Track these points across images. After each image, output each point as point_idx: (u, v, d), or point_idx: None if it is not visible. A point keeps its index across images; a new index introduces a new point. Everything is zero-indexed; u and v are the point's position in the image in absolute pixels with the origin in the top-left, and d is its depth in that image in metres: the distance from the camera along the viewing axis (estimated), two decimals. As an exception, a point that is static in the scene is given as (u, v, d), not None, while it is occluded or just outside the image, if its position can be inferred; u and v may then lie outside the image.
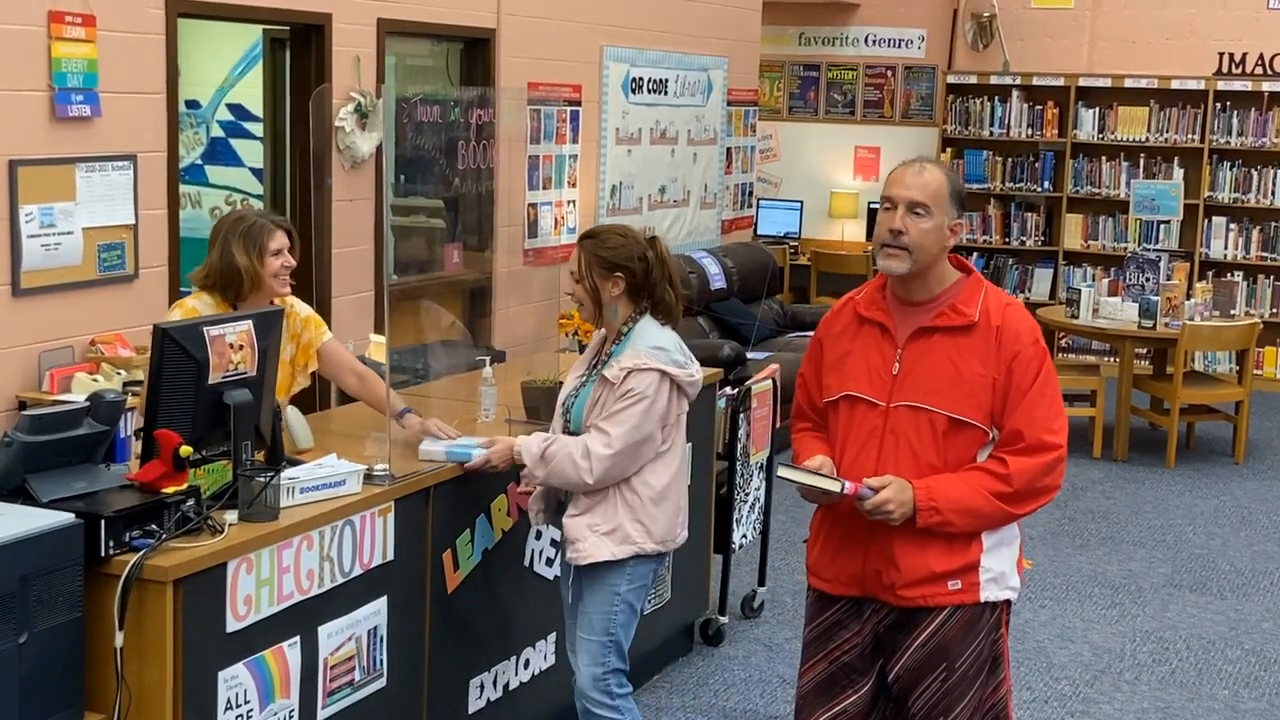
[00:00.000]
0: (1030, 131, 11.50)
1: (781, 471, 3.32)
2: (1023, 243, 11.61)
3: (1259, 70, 11.07)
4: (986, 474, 3.22)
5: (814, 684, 3.42)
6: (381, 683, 3.79)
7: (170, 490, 3.27)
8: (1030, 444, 3.22)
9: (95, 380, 5.12)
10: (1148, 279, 8.70)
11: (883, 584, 3.30)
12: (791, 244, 12.01)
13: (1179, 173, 10.97)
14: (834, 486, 3.22)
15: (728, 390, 5.65)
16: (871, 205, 12.06)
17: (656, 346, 3.81)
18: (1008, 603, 3.38)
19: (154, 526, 3.21)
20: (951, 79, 11.73)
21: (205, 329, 3.46)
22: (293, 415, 4.10)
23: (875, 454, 3.28)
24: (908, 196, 3.25)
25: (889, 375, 3.28)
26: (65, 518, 3.10)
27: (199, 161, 8.97)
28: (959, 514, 3.21)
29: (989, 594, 3.30)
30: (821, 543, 3.42)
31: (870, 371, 3.31)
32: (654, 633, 5.03)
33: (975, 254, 11.72)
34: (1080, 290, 8.90)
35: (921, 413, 3.24)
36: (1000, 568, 3.32)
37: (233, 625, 3.28)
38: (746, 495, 5.62)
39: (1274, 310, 10.93)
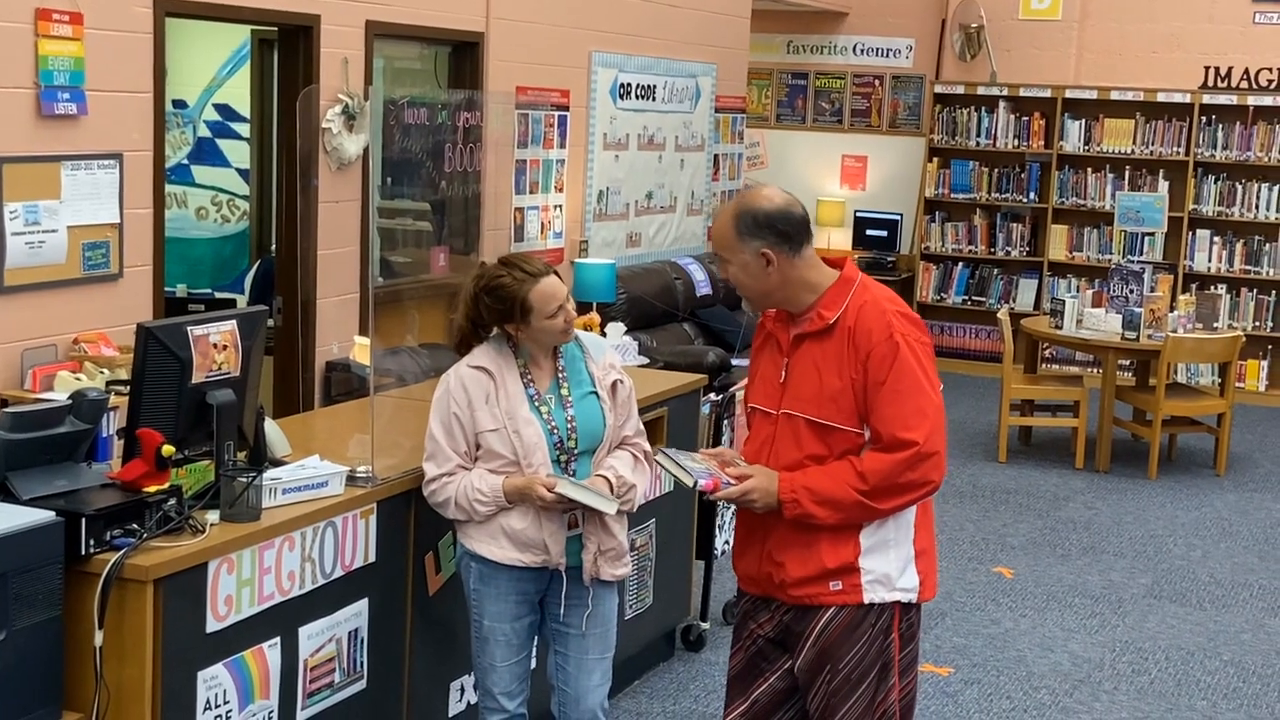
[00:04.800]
0: (1016, 142, 11.53)
1: (657, 456, 3.43)
2: (1008, 253, 11.64)
3: (1244, 84, 11.13)
4: (849, 468, 3.24)
5: (736, 671, 3.51)
6: (362, 684, 3.79)
7: (152, 489, 3.26)
8: (887, 442, 3.22)
9: (78, 379, 5.11)
10: (1131, 291, 8.73)
11: (774, 584, 3.36)
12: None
13: (1164, 185, 11.02)
14: (687, 480, 3.30)
15: (712, 396, 5.66)
16: (858, 214, 12.10)
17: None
18: (901, 607, 3.35)
19: (135, 526, 3.21)
20: (939, 89, 11.76)
21: (189, 329, 3.46)
22: (268, 425, 4.08)
23: (767, 459, 3.35)
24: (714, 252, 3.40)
25: (778, 384, 3.36)
26: (46, 515, 3.10)
27: (185, 161, 8.96)
28: (820, 505, 3.24)
29: (873, 595, 3.30)
30: (735, 540, 3.52)
31: (766, 382, 3.40)
32: (636, 638, 5.03)
33: (960, 263, 11.77)
34: (1064, 301, 8.93)
35: (797, 419, 3.31)
36: (884, 569, 3.31)
37: (213, 625, 3.28)
38: (729, 502, 5.61)
39: (1256, 323, 10.98)
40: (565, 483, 3.59)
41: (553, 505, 3.61)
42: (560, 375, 3.74)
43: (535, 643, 3.87)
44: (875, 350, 3.22)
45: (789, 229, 3.28)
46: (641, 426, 3.89)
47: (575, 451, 3.69)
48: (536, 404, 3.68)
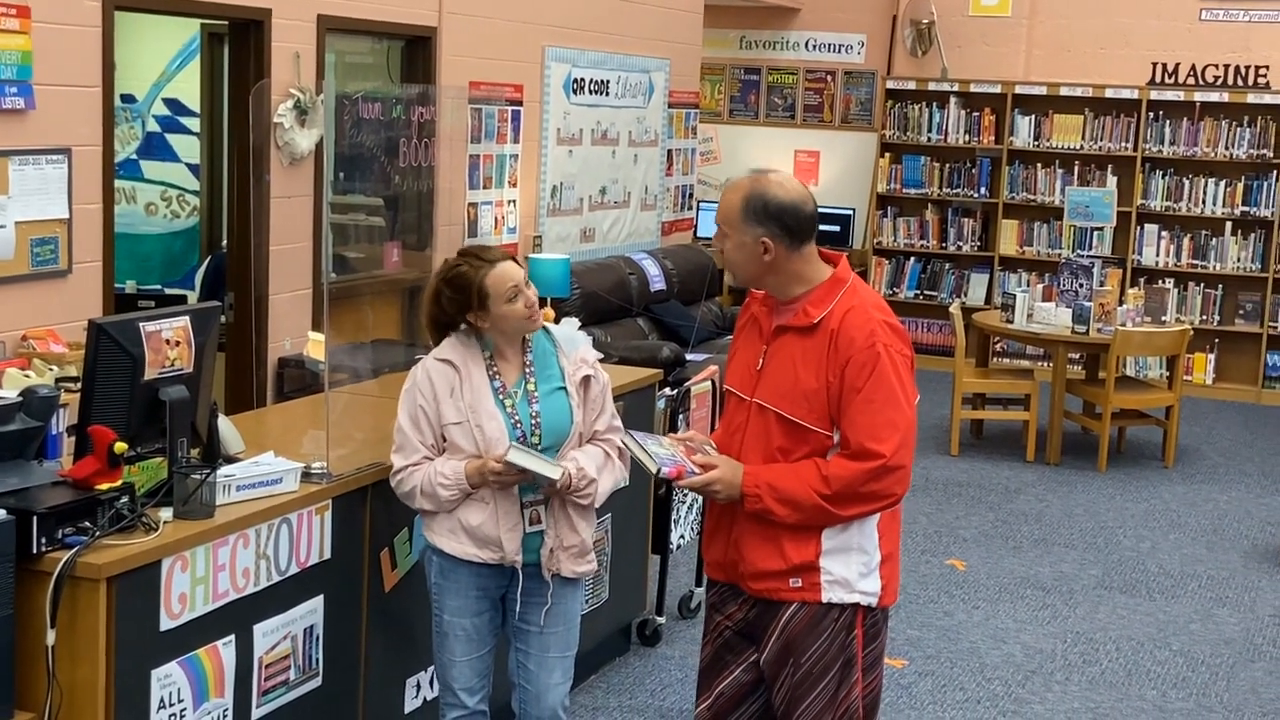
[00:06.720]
0: (967, 138, 11.61)
1: (623, 438, 3.44)
2: (959, 247, 11.72)
3: (1191, 80, 11.25)
4: (814, 471, 3.24)
5: (705, 662, 3.52)
6: (317, 682, 3.77)
7: (104, 487, 3.23)
8: (854, 450, 3.21)
9: (27, 376, 5.05)
10: (1081, 285, 8.81)
11: (738, 573, 3.38)
12: (731, 246, 12.04)
13: (1112, 180, 11.12)
14: (650, 465, 3.32)
15: (667, 391, 5.67)
16: (810, 209, 12.13)
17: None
18: (864, 609, 3.34)
19: (87, 523, 3.18)
20: (891, 84, 11.82)
21: (141, 325, 3.43)
22: (221, 421, 4.05)
23: (738, 447, 3.35)
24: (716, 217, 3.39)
25: (754, 371, 3.35)
26: (-4, 514, 3.07)
27: (134, 156, 8.87)
28: (780, 503, 3.24)
29: (832, 595, 3.30)
30: (705, 527, 3.53)
31: (743, 367, 3.39)
32: (591, 633, 5.03)
33: (912, 258, 11.84)
34: (1015, 295, 9.00)
35: (768, 411, 3.30)
36: (844, 573, 3.30)
37: (167, 623, 3.26)
38: (685, 496, 5.63)
39: (1204, 317, 11.10)
40: (515, 449, 3.57)
41: (505, 475, 3.59)
42: (528, 370, 3.73)
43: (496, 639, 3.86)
44: (855, 357, 3.20)
45: (795, 224, 3.26)
46: (617, 422, 3.85)
47: (539, 447, 3.68)
48: (501, 398, 3.68)
